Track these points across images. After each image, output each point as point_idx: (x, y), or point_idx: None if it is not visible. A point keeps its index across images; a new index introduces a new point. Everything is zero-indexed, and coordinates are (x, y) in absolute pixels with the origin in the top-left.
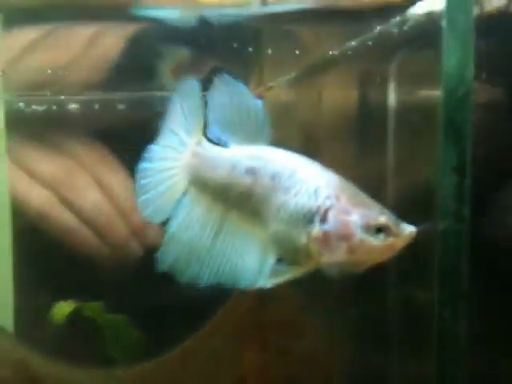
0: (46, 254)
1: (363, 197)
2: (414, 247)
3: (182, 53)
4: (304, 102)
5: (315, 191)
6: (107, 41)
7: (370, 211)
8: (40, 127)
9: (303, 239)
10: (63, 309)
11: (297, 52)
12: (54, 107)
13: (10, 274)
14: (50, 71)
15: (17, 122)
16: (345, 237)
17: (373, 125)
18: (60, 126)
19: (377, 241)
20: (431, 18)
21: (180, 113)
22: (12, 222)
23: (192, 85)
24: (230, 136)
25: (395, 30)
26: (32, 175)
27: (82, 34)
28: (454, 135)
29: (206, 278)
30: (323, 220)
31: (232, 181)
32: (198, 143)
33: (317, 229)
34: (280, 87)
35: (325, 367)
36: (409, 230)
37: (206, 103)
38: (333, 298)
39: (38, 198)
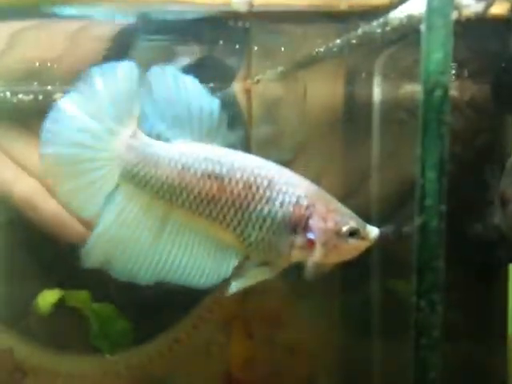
0: (33, 242)
1: (335, 203)
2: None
3: (167, 47)
4: (291, 95)
5: (297, 201)
6: (91, 35)
7: (342, 217)
8: (26, 116)
9: (287, 247)
10: (48, 297)
11: (283, 49)
12: (41, 97)
13: None
14: (36, 63)
15: (2, 111)
16: (324, 243)
17: (358, 119)
18: (45, 115)
19: (348, 244)
20: (411, 21)
21: (109, 97)
22: None
23: (129, 69)
24: (174, 133)
25: (378, 31)
26: (17, 164)
27: (67, 28)
28: (432, 134)
29: (147, 276)
30: (304, 229)
31: (183, 183)
32: (133, 135)
33: (300, 238)
34: (267, 80)
35: (311, 357)
36: (374, 232)
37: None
38: (318, 288)
39: (24, 186)
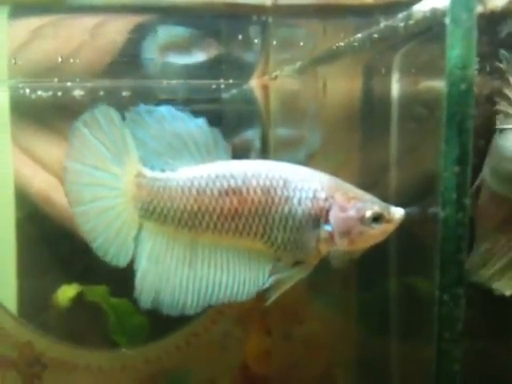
0: (50, 237)
1: (354, 190)
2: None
3: (185, 39)
4: (309, 91)
5: (314, 196)
6: (111, 29)
7: (364, 203)
8: (45, 113)
9: (313, 242)
10: (67, 292)
11: (302, 44)
12: (60, 93)
13: (14, 258)
14: (55, 59)
15: (21, 108)
16: (347, 232)
17: (376, 115)
18: (64, 112)
19: (373, 229)
20: (435, 15)
21: (101, 144)
22: (16, 206)
23: (108, 113)
24: (175, 164)
25: (401, 25)
26: (36, 160)
27: (86, 22)
28: (456, 128)
29: (194, 304)
30: (326, 221)
31: (203, 206)
32: (138, 175)
33: (323, 231)
34: (285, 77)
35: (327, 352)
36: (399, 213)
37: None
38: (335, 283)
39: (42, 182)
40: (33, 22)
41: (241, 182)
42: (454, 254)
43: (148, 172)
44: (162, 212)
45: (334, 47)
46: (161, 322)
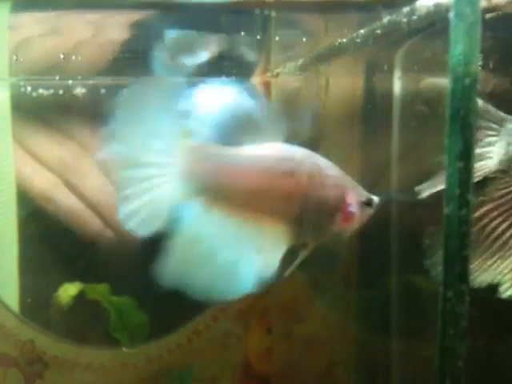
0: (52, 236)
1: (349, 178)
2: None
3: (187, 37)
4: (311, 88)
5: (337, 183)
6: (113, 26)
7: (359, 189)
8: (46, 111)
9: (333, 224)
10: (69, 290)
11: (304, 39)
12: (61, 91)
13: (16, 256)
14: (57, 56)
15: (23, 106)
16: (353, 215)
17: (378, 113)
18: (65, 110)
19: (365, 212)
20: (439, 10)
21: (156, 114)
22: (18, 204)
23: (165, 85)
24: (234, 139)
25: (404, 20)
26: (37, 158)
27: (88, 18)
28: (459, 124)
29: (219, 291)
30: (344, 204)
31: (265, 186)
32: (197, 147)
33: (342, 213)
34: (287, 74)
35: (328, 351)
36: (376, 199)
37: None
38: (336, 281)
39: (43, 181)
40: (34, 18)
41: (296, 165)
42: (458, 250)
43: (209, 146)
44: (215, 189)
45: (337, 43)
46: (162, 320)
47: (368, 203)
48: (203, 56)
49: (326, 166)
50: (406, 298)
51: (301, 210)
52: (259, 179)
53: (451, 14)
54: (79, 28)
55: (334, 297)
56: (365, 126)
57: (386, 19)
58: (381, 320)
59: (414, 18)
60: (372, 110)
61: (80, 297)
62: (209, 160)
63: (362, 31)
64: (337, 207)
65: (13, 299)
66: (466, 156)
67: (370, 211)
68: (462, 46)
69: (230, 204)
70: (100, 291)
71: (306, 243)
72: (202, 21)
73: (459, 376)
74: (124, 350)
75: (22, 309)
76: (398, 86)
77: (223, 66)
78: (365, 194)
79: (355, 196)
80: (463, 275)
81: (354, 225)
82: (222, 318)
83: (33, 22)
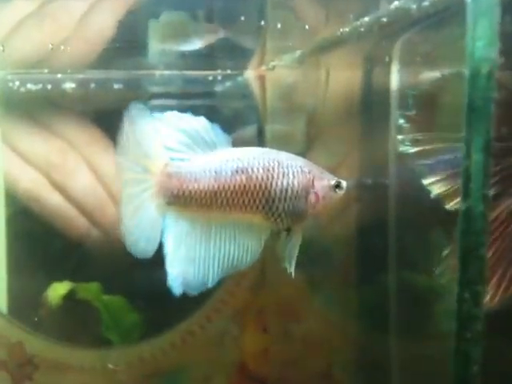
0: (41, 234)
1: (316, 167)
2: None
3: (181, 23)
4: (309, 82)
5: (302, 170)
6: (101, 15)
7: (328, 174)
8: (33, 107)
9: (305, 208)
10: (58, 290)
11: (306, 28)
12: (49, 86)
13: (4, 255)
14: (43, 48)
15: (9, 101)
16: (324, 197)
17: (376, 106)
18: (53, 106)
19: (336, 194)
20: None
21: (133, 141)
22: (6, 203)
23: (140, 110)
24: (188, 153)
25: (413, 7)
26: (23, 156)
27: (75, 7)
28: (478, 114)
29: (214, 279)
30: (312, 188)
31: (221, 184)
32: (166, 165)
33: (312, 197)
34: (283, 67)
35: (326, 350)
36: (345, 183)
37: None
38: (334, 280)
39: (29, 179)
40: (20, 6)
41: (246, 163)
42: (475, 248)
43: (173, 162)
44: (189, 194)
45: (339, 33)
46: (155, 320)
47: (337, 186)
48: (195, 44)
49: (287, 160)
50: (405, 296)
51: (267, 200)
52: (214, 179)
53: None
54: (66, 19)
55: (332, 295)
56: (367, 121)
57: (393, 6)
58: (380, 319)
59: (426, 3)
60: (373, 104)
61: (70, 296)
62: (176, 174)
63: (366, 19)
64: (305, 193)
65: (1, 300)
66: (485, 148)
67: (339, 194)
68: (480, 30)
69: (202, 208)
70: (91, 290)
71: (288, 227)
72: (194, 7)
73: (475, 381)
74: (117, 350)
75: (11, 309)
76: (395, 79)
77: (215, 59)
78: (332, 179)
79: (323, 181)
80: (480, 275)
81: (326, 206)
82: (217, 318)
83: (19, 11)
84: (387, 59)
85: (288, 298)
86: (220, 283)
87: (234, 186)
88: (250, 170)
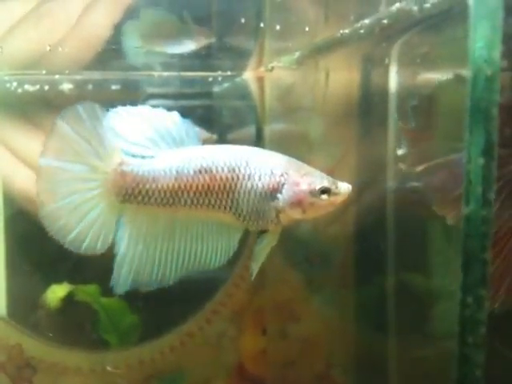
0: (39, 235)
1: (306, 168)
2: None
3: (172, 26)
4: (308, 83)
5: (271, 172)
6: (98, 16)
7: (314, 179)
8: (30, 107)
9: (272, 213)
10: (57, 292)
11: (306, 29)
12: (46, 87)
13: (2, 259)
14: (39, 48)
15: (6, 102)
16: (298, 203)
17: (374, 108)
18: (50, 107)
19: (322, 200)
20: None
21: (79, 140)
22: (4, 204)
23: (89, 108)
24: (152, 149)
25: (414, 8)
26: (18, 157)
27: (71, 8)
28: (481, 116)
29: (172, 277)
30: (281, 193)
31: (183, 184)
32: (121, 163)
33: (280, 202)
34: (282, 68)
35: (325, 351)
36: (344, 187)
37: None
38: (332, 280)
39: (24, 180)
40: (16, 6)
41: (211, 163)
42: (478, 252)
43: (130, 160)
44: (146, 193)
45: (339, 34)
46: (154, 322)
47: (324, 191)
48: (186, 45)
49: (257, 161)
50: (403, 296)
51: (232, 201)
52: (175, 178)
53: (470, 0)
54: (62, 20)
55: (330, 296)
56: (367, 123)
57: (394, 7)
58: (378, 319)
59: (427, 5)
60: (373, 106)
61: (69, 298)
62: (132, 172)
63: (366, 21)
64: (273, 195)
65: (0, 302)
66: (489, 151)
67: (333, 199)
68: (482, 31)
69: (160, 204)
70: (89, 292)
71: (263, 229)
72: (191, 8)
73: None
74: (114, 352)
75: (10, 312)
76: (393, 81)
77: (212, 60)
78: (322, 182)
79: (300, 186)
80: (483, 279)
81: (310, 211)
82: (215, 320)
83: (15, 11)
84: (386, 61)
85: (287, 299)
86: (219, 285)
87: (197, 186)
88: (214, 170)
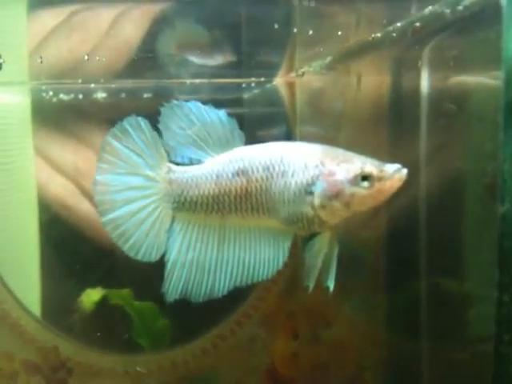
0: (74, 240)
1: (345, 154)
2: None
3: (202, 34)
4: (339, 88)
5: (305, 165)
6: (128, 25)
7: (351, 165)
8: (64, 116)
9: (310, 210)
10: (91, 296)
11: (338, 33)
12: (81, 96)
13: (38, 261)
14: (71, 58)
15: (42, 111)
16: (337, 195)
17: (406, 111)
18: (83, 115)
19: (365, 189)
20: None
21: (131, 154)
22: (40, 209)
23: (136, 122)
24: (201, 152)
25: (447, 11)
26: (53, 165)
27: (102, 18)
28: None
29: (221, 288)
30: (316, 186)
31: (222, 189)
32: (168, 171)
33: (316, 197)
34: (313, 73)
35: (356, 355)
36: (392, 169)
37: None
38: (364, 285)
39: (59, 187)
40: (51, 15)
41: (247, 164)
42: None
43: (175, 167)
44: (192, 200)
45: (371, 38)
46: (186, 325)
47: (365, 177)
48: (218, 56)
49: (291, 156)
50: (436, 301)
51: (270, 201)
52: (215, 183)
53: (503, 1)
54: (92, 29)
55: (362, 300)
56: (393, 124)
57: (426, 10)
58: (410, 323)
59: (459, 7)
60: (400, 109)
61: (103, 302)
62: (177, 180)
63: (398, 24)
64: (308, 191)
65: (35, 305)
66: None
67: (380, 186)
68: None
69: (206, 211)
70: (123, 296)
71: (313, 232)
72: (224, 14)
73: None
74: (147, 355)
75: (45, 315)
76: (424, 84)
77: (243, 67)
78: (364, 168)
79: (335, 175)
80: None
81: (355, 204)
82: (247, 323)
83: (52, 20)
84: (419, 64)
85: (318, 303)
86: (251, 289)
87: (236, 189)
88: (249, 171)
